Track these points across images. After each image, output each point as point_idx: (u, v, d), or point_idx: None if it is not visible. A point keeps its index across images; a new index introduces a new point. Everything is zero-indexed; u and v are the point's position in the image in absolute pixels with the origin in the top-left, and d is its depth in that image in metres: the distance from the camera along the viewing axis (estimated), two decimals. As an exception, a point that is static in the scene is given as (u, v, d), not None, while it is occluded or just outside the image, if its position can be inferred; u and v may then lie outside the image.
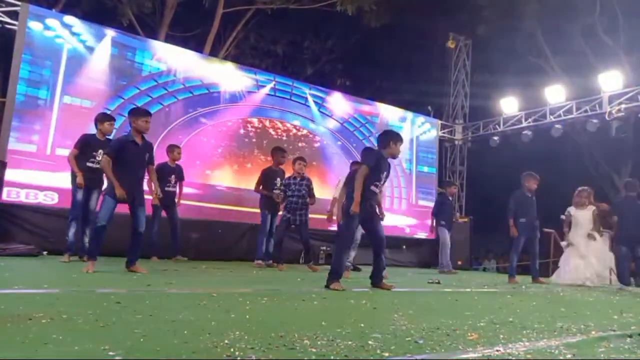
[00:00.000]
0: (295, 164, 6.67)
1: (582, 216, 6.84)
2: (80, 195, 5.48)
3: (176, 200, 6.79)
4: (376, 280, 4.47)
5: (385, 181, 4.59)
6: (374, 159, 4.40)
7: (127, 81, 7.94)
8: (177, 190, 6.86)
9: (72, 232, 5.52)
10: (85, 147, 5.53)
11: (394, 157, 4.63)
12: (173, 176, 6.78)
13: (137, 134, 4.69)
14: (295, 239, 7.40)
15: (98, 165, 5.36)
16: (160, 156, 6.42)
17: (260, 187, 6.94)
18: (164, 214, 6.63)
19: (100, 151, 5.46)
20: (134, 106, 5.50)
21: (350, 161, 7.40)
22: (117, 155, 4.57)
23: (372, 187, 4.39)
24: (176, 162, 6.87)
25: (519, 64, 13.14)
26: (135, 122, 4.66)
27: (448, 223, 8.40)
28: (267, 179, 6.94)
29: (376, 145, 4.73)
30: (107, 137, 5.67)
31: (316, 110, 10.06)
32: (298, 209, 6.52)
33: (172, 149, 6.89)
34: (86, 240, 5.51)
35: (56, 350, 1.48)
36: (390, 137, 4.52)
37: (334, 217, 5.99)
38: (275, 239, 6.76)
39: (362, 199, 4.27)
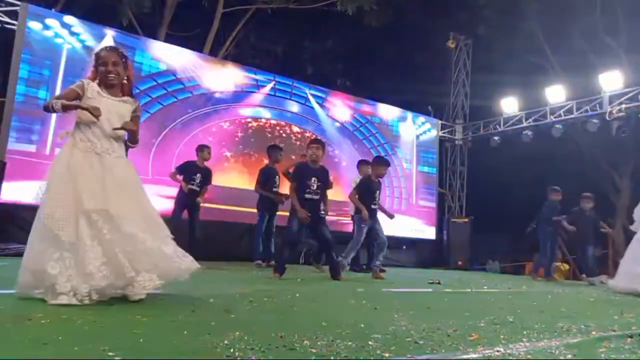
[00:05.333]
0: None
1: None
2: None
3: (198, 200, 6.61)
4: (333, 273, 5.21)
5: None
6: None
7: (126, 81, 7.93)
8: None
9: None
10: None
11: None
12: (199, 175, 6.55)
13: None
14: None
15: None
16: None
17: (260, 187, 6.88)
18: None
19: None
20: None
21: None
22: None
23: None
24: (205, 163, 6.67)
25: (519, 63, 13.09)
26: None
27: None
28: (266, 178, 6.81)
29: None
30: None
31: (320, 109, 10.06)
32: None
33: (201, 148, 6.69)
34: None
35: (55, 350, 1.48)
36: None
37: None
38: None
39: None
